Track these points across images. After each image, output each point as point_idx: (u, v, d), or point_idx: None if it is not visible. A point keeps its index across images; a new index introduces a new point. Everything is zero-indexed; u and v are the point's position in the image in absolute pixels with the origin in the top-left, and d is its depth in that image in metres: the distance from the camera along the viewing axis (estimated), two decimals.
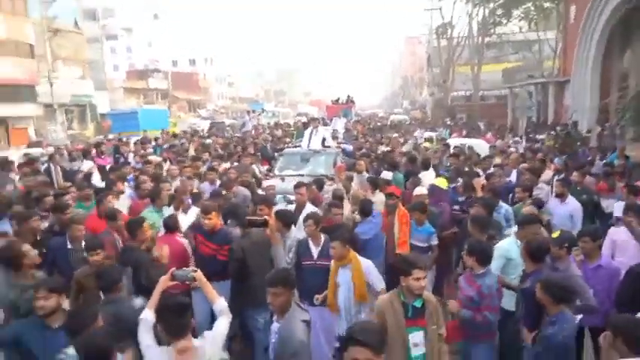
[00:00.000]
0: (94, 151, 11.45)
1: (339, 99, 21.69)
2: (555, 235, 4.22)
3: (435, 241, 5.69)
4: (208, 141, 14.89)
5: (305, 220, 4.87)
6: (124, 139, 15.52)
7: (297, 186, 6.24)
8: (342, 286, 4.20)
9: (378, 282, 4.29)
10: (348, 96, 20.16)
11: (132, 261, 4.37)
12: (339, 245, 4.14)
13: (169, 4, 65.06)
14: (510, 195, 7.01)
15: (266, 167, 10.13)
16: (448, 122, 28.62)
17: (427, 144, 13.74)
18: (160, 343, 3.00)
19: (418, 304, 3.36)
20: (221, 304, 3.28)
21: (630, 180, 7.15)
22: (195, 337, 3.04)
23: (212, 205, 5.17)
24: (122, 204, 6.19)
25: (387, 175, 7.97)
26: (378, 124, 26.65)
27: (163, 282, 3.29)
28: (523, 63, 32.62)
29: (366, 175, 8.05)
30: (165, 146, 13.37)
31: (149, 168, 8.59)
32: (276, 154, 10.93)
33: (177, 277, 3.29)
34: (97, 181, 8.27)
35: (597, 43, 18.54)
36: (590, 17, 18.48)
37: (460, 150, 10.88)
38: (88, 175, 8.39)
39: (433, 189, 6.74)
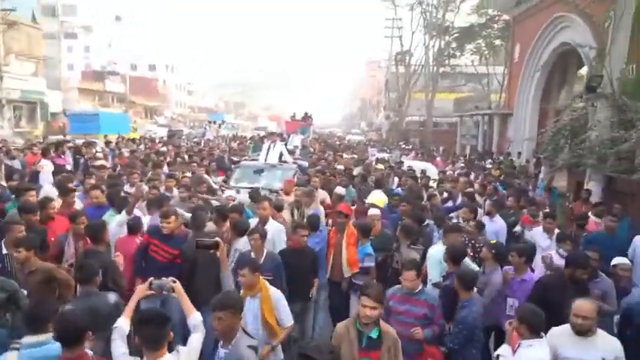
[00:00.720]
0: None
1: (295, 115, 22.31)
2: (492, 242, 4.94)
3: (370, 263, 5.49)
4: (163, 149, 14.99)
5: (250, 233, 4.79)
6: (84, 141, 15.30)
7: (259, 200, 6.17)
8: (248, 318, 3.76)
9: (287, 318, 3.87)
10: (306, 113, 20.73)
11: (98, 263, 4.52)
12: (248, 273, 3.76)
13: (133, 6, 63.87)
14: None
15: (221, 178, 10.40)
16: (402, 145, 29.87)
17: (380, 165, 14.45)
18: (131, 353, 2.96)
19: (374, 334, 3.17)
20: (196, 317, 3.18)
21: (552, 210, 7.96)
22: (170, 350, 2.89)
23: (171, 209, 5.41)
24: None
25: (340, 190, 8.41)
26: (337, 142, 27.50)
27: (140, 291, 3.27)
28: (474, 94, 34.61)
29: (321, 191, 8.37)
30: (124, 150, 13.39)
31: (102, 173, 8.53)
32: (232, 165, 11.22)
33: (155, 287, 3.25)
34: (46, 180, 8.23)
35: (537, 81, 20.25)
36: (532, 57, 20.17)
37: (412, 172, 11.70)
38: (34, 174, 8.34)
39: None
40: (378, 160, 15.36)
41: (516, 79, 22.30)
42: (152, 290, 3.25)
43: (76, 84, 43.12)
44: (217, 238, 4.32)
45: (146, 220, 5.89)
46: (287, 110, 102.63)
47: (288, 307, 3.92)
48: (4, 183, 7.33)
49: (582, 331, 3.30)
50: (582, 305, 3.35)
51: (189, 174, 9.22)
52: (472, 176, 12.64)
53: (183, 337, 3.39)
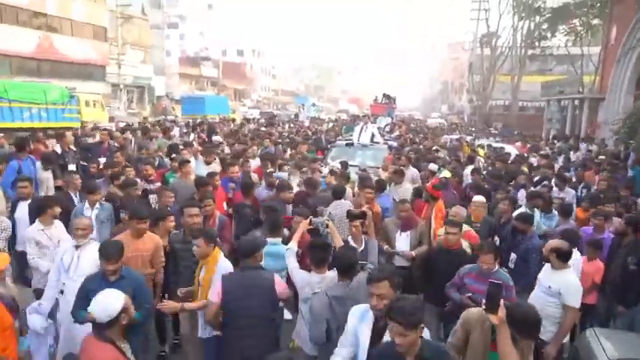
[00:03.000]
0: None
1: (377, 98, 23.52)
2: None
3: None
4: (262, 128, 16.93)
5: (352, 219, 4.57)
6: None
7: (366, 186, 6.34)
8: (200, 286, 3.92)
9: (214, 295, 3.58)
10: (388, 96, 21.85)
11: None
12: (202, 242, 3.88)
13: None
14: None
15: (320, 156, 11.84)
16: (492, 130, 29.53)
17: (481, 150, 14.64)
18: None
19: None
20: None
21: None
22: None
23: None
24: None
25: (433, 167, 9.09)
26: (418, 126, 28.23)
27: (303, 225, 4.26)
28: (566, 77, 33.27)
29: (411, 168, 9.24)
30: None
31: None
32: (329, 145, 12.59)
33: (314, 223, 4.29)
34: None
35: (633, 65, 19.60)
36: (629, 39, 19.49)
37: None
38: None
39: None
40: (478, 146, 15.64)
41: (611, 63, 21.59)
42: (311, 226, 4.30)
43: (176, 70, 47.28)
44: (364, 209, 4.82)
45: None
46: (364, 93, 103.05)
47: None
48: (161, 154, 9.26)
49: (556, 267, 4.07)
50: (558, 246, 4.12)
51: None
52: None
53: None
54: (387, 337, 2.77)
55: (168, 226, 4.76)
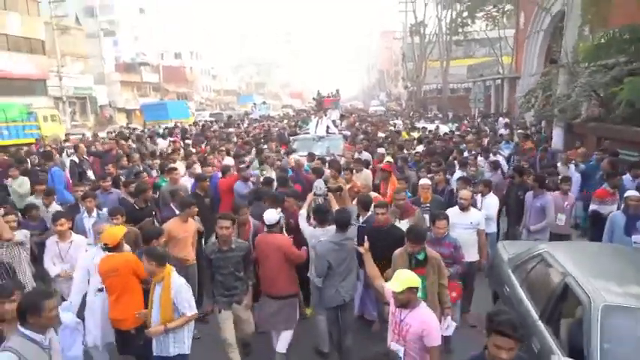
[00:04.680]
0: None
1: (319, 92, 25.37)
2: None
3: None
4: (230, 129, 18.35)
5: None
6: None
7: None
8: (155, 303, 3.86)
9: (188, 306, 3.83)
10: (337, 90, 23.81)
11: None
12: (145, 260, 3.82)
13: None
14: None
15: (284, 149, 13.32)
16: (428, 114, 32.26)
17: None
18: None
19: (421, 257, 4.04)
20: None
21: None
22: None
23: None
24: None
25: (382, 150, 10.61)
26: (362, 114, 30.55)
27: (310, 196, 5.79)
28: (488, 59, 36.71)
29: (365, 153, 10.72)
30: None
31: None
32: (291, 138, 14.10)
33: (317, 192, 6.10)
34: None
35: (540, 46, 22.65)
36: (535, 23, 22.41)
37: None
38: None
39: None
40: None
41: (522, 45, 24.66)
42: (316, 195, 6.04)
43: (117, 78, 46.77)
44: (339, 184, 6.58)
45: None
46: (305, 87, 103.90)
47: (189, 296, 3.90)
48: (150, 161, 10.27)
49: (463, 208, 5.57)
50: (465, 194, 5.64)
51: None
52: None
53: None
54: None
55: (192, 212, 5.77)
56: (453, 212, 5.45)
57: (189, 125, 21.02)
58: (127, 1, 58.95)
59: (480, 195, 6.70)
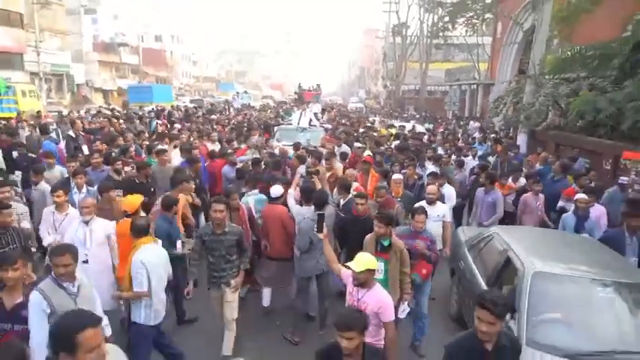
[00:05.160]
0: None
1: (300, 85, 26.07)
2: None
3: None
4: (213, 116, 18.75)
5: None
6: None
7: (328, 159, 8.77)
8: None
9: (136, 283, 4.07)
10: (318, 85, 24.47)
11: None
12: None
13: None
14: None
15: (266, 138, 13.92)
16: (404, 114, 33.33)
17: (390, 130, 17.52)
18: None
19: (386, 243, 4.37)
20: None
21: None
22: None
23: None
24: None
25: (359, 144, 11.41)
26: (342, 109, 31.30)
27: (296, 178, 6.60)
28: (465, 65, 38.01)
29: (344, 146, 11.51)
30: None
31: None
32: (275, 128, 14.67)
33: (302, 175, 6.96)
34: None
35: (514, 56, 23.85)
36: (510, 35, 23.64)
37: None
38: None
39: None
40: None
41: (498, 54, 25.86)
42: (302, 177, 6.84)
43: (96, 57, 46.05)
44: (317, 168, 7.11)
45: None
46: (287, 79, 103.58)
47: (140, 274, 4.06)
48: (139, 141, 10.59)
49: (430, 202, 5.97)
50: (432, 189, 6.13)
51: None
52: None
53: None
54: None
55: (187, 188, 6.27)
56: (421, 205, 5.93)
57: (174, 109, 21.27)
58: None
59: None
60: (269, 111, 22.66)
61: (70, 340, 2.15)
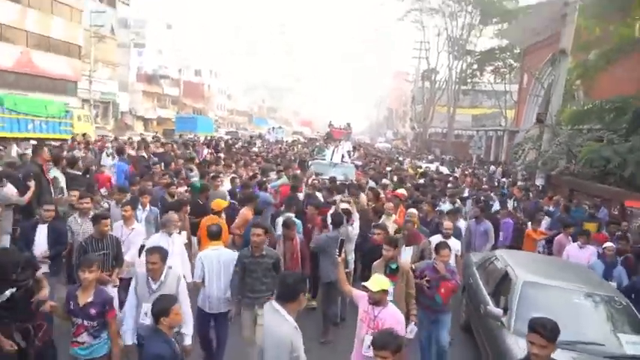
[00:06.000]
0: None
1: (330, 122, 27.44)
2: None
3: None
4: (254, 149, 20.23)
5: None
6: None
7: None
8: None
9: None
10: (348, 124, 25.77)
11: None
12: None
13: (181, 15, 70.36)
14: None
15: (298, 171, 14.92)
16: (429, 156, 34.24)
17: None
18: None
19: (394, 266, 4.69)
20: None
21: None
22: None
23: None
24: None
25: (386, 181, 12.36)
26: (370, 149, 32.59)
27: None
28: (491, 111, 38.95)
29: (370, 181, 12.44)
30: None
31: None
32: (308, 163, 15.73)
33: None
34: None
35: (539, 106, 24.77)
36: (534, 88, 24.68)
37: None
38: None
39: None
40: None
41: (524, 102, 26.84)
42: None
43: (140, 87, 49.11)
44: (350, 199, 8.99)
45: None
46: (316, 116, 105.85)
47: (199, 269, 4.90)
48: (192, 166, 11.54)
49: (445, 237, 6.20)
50: (448, 224, 6.42)
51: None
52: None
53: None
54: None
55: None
56: (436, 239, 6.28)
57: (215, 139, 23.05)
58: (158, 16, 62.28)
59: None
60: (299, 146, 24.15)
61: (167, 311, 3.34)
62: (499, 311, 4.76)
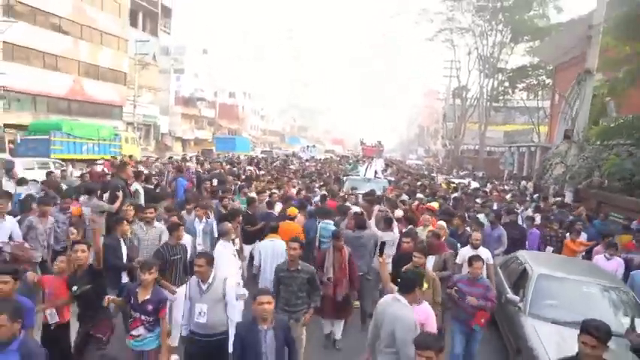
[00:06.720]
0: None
1: (362, 141, 28.36)
2: None
3: None
4: (291, 167, 21.39)
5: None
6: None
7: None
8: None
9: None
10: (379, 142, 26.53)
11: None
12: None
13: (216, 41, 73.37)
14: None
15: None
16: (461, 172, 34.56)
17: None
18: None
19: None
20: None
21: None
22: None
23: None
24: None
25: (421, 195, 13.14)
26: (401, 166, 33.19)
27: (375, 212, 9.34)
28: (523, 127, 38.81)
29: (404, 195, 13.39)
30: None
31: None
32: (343, 178, 16.65)
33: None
34: None
35: (571, 122, 24.76)
36: (565, 105, 24.69)
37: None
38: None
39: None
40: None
41: (556, 118, 26.86)
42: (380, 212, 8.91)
43: (179, 110, 51.48)
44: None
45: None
46: (347, 133, 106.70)
47: (256, 256, 6.12)
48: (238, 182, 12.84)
49: (475, 247, 6.48)
50: (476, 235, 6.66)
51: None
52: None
53: None
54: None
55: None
56: (466, 250, 6.57)
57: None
58: (195, 43, 65.29)
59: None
60: (334, 163, 25.19)
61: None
62: (517, 298, 5.62)
